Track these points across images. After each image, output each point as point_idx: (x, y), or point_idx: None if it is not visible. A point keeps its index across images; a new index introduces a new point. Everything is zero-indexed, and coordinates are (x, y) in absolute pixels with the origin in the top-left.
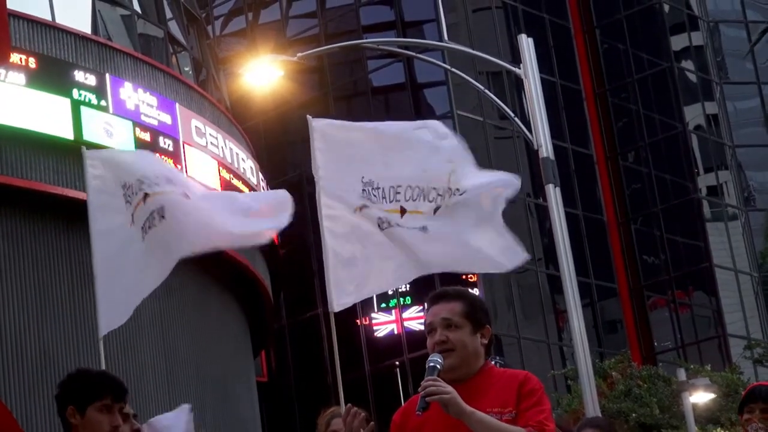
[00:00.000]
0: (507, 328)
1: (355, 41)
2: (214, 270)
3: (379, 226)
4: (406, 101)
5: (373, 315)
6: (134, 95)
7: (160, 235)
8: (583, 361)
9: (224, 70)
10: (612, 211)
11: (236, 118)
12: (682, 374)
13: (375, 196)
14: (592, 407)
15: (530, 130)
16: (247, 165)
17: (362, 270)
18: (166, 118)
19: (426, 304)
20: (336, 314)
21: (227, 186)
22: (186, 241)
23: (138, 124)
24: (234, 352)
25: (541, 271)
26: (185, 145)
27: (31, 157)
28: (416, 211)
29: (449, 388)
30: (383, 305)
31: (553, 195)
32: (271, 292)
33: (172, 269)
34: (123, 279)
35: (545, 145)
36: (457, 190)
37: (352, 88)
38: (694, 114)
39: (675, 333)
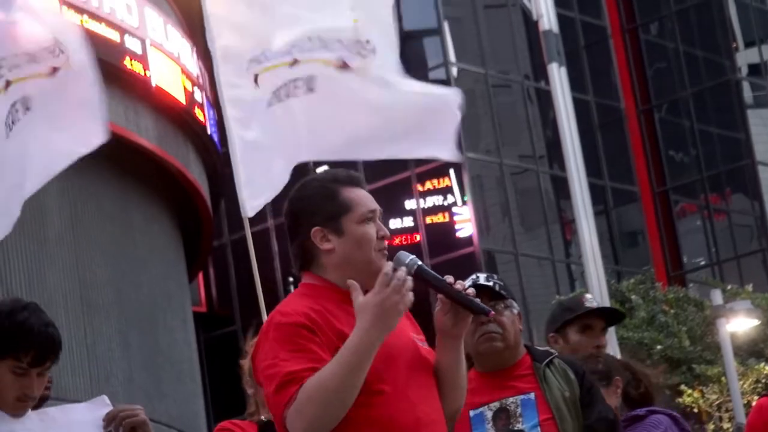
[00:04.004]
0: (502, 242)
1: None
2: (136, 172)
3: (275, 94)
4: None
5: None
6: None
7: (28, 128)
8: (596, 282)
9: None
10: (631, 96)
11: None
12: (717, 297)
13: (266, 57)
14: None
15: None
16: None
17: (270, 157)
18: None
19: (346, 184)
20: None
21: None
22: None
23: None
24: (163, 276)
25: (543, 171)
26: None
27: None
28: (312, 59)
29: None
30: None
31: (558, 77)
32: (209, 200)
33: (78, 167)
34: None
35: (547, 15)
36: (367, 42)
37: None
38: None
39: (709, 246)
